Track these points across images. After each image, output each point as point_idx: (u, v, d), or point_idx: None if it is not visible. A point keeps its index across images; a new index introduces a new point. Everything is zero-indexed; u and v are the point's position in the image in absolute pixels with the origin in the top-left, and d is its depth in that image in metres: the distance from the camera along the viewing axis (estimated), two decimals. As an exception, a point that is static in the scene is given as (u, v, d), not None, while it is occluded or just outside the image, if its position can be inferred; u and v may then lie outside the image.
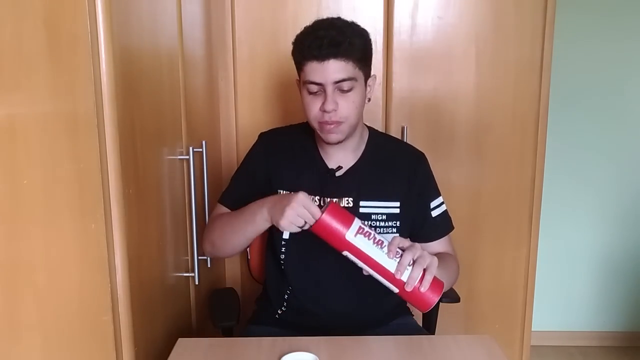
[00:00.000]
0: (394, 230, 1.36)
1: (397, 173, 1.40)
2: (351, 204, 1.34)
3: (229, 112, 1.90)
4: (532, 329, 2.05)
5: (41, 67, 0.75)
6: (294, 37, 1.29)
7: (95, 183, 0.90)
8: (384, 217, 1.35)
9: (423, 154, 1.45)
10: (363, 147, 1.39)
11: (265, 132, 1.46)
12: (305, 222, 1.15)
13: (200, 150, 1.44)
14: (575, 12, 2.39)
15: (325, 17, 1.31)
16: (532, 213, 1.95)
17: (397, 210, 1.36)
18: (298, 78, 1.32)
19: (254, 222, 1.26)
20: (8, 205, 0.67)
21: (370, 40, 1.31)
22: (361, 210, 1.34)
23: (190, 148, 1.39)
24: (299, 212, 1.15)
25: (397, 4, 1.83)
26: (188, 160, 1.40)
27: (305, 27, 1.28)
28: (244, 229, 1.29)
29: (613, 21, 2.45)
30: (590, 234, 2.66)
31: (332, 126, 1.26)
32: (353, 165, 1.37)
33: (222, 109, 1.90)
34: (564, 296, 2.69)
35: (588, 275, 2.69)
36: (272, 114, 1.88)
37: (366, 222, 1.31)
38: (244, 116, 1.89)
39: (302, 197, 1.16)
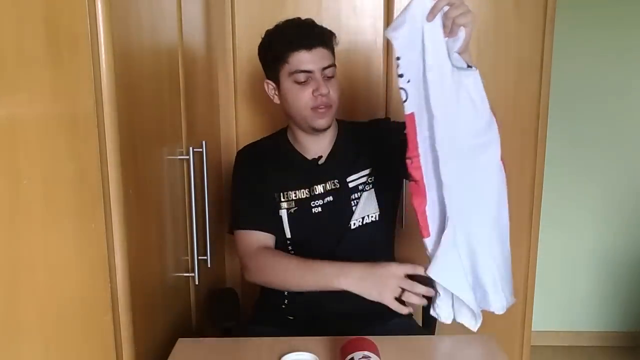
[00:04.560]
0: (370, 187, 1.43)
1: (369, 142, 1.46)
2: (338, 185, 1.42)
3: (229, 112, 1.90)
4: (532, 329, 2.05)
5: (41, 67, 0.75)
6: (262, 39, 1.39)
7: (95, 183, 0.90)
8: (364, 179, 1.43)
9: (387, 117, 1.58)
10: (336, 134, 1.47)
11: (240, 150, 1.55)
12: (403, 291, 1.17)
13: (200, 150, 1.44)
14: (575, 11, 2.39)
15: (304, 17, 1.39)
16: (532, 213, 1.95)
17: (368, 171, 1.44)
18: (269, 80, 1.39)
19: (331, 285, 1.24)
20: (8, 205, 0.67)
21: None
22: (350, 185, 1.42)
23: (190, 148, 1.39)
24: (398, 284, 1.17)
25: (397, 4, 1.83)
26: (188, 160, 1.40)
27: (275, 27, 1.38)
28: (313, 285, 1.28)
29: (614, 20, 2.45)
30: (590, 234, 2.66)
31: (324, 110, 1.35)
32: (330, 152, 1.45)
33: (222, 109, 1.90)
34: (565, 296, 2.69)
35: (588, 275, 2.69)
36: (271, 114, 1.87)
37: (356, 194, 1.42)
38: (244, 116, 1.89)
39: (398, 271, 1.18)
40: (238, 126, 1.90)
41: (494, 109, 1.12)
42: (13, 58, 0.68)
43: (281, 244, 1.44)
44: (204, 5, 1.71)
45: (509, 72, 1.87)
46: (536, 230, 1.97)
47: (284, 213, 1.42)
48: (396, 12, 1.83)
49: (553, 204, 2.44)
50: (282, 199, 1.42)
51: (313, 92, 1.33)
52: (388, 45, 1.85)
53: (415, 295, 1.15)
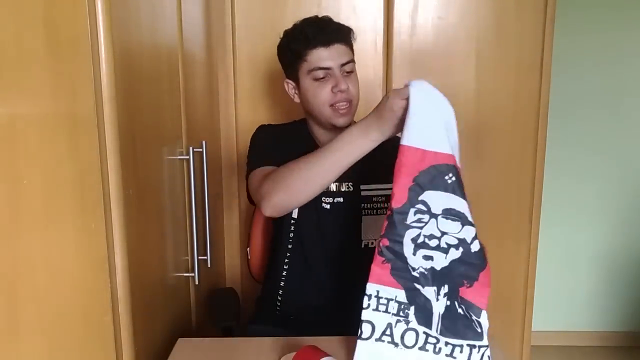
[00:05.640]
0: None
1: (392, 157, 1.41)
2: (352, 189, 1.40)
3: (229, 112, 1.90)
4: (532, 329, 2.05)
5: (41, 67, 0.75)
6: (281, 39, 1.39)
7: (95, 183, 0.90)
8: (383, 198, 1.40)
9: None
10: None
11: (262, 125, 1.50)
12: None
13: (200, 150, 1.44)
14: (576, 11, 2.39)
15: (310, 16, 1.39)
16: (532, 213, 1.95)
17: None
18: (288, 79, 1.39)
19: (362, 145, 1.14)
20: (8, 205, 0.67)
21: None
22: (362, 193, 1.40)
23: (190, 148, 1.39)
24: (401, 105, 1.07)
25: (397, 4, 1.83)
26: (188, 160, 1.40)
27: (293, 26, 1.37)
28: (346, 159, 1.16)
29: (614, 20, 2.45)
30: (590, 234, 2.66)
31: (345, 106, 1.33)
32: None
33: (222, 109, 1.90)
34: (564, 296, 2.69)
35: (588, 275, 2.69)
36: (272, 113, 1.88)
37: (367, 205, 1.39)
38: (244, 116, 1.89)
39: (395, 91, 1.10)
40: (238, 126, 1.90)
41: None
42: (13, 58, 0.68)
43: (285, 225, 1.42)
44: (204, 5, 1.71)
45: (509, 72, 1.87)
46: (536, 230, 1.97)
47: None
48: (396, 13, 1.83)
49: (553, 204, 2.44)
50: None
51: (332, 88, 1.32)
52: (388, 46, 1.85)
53: None
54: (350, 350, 1.14)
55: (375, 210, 1.40)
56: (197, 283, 1.47)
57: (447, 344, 1.06)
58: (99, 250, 0.93)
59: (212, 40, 1.81)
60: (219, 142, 1.90)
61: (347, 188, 1.40)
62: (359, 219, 1.39)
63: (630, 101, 2.54)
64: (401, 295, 1.06)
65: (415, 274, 1.05)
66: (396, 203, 1.03)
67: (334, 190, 1.40)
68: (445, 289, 1.07)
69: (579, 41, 2.45)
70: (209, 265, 1.52)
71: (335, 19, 1.38)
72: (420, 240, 1.04)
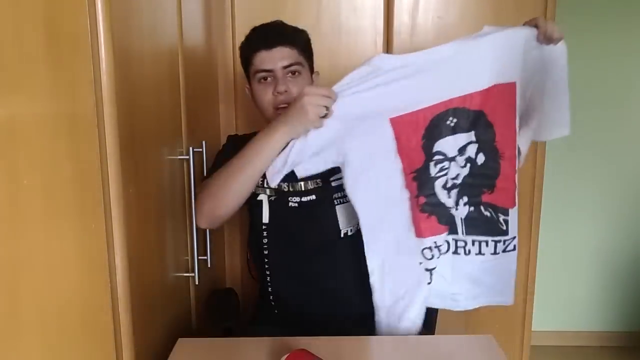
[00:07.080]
0: None
1: None
2: (320, 184, 1.40)
3: (229, 112, 1.90)
4: (532, 329, 2.05)
5: (41, 67, 0.75)
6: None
7: (95, 183, 0.90)
8: None
9: None
10: None
11: (233, 135, 1.57)
12: (326, 108, 1.18)
13: (200, 150, 1.44)
14: (576, 11, 2.39)
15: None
16: (533, 213, 1.95)
17: None
18: (248, 85, 1.43)
19: (270, 143, 1.23)
20: (8, 205, 0.67)
21: (310, 40, 1.44)
22: (333, 184, 1.40)
23: (190, 148, 1.39)
24: (315, 102, 1.17)
25: (397, 3, 1.83)
26: (188, 160, 1.40)
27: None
28: (257, 158, 1.25)
29: (615, 20, 2.45)
30: (590, 234, 2.66)
31: (285, 108, 1.32)
32: None
33: (222, 108, 1.90)
34: (564, 296, 2.69)
35: (588, 275, 2.69)
36: (272, 114, 1.88)
37: (339, 194, 1.39)
38: (244, 116, 1.89)
39: (307, 89, 1.19)
40: (238, 126, 1.90)
41: None
42: (13, 58, 0.68)
43: (256, 232, 1.44)
44: (204, 5, 1.71)
45: (509, 72, 1.87)
46: (536, 231, 1.97)
47: (264, 198, 1.42)
48: (396, 12, 1.83)
49: (553, 204, 2.44)
50: (265, 185, 1.39)
51: (273, 90, 1.35)
52: (388, 46, 1.85)
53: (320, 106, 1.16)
54: (348, 350, 1.14)
55: (347, 198, 1.38)
56: (197, 283, 1.47)
57: (473, 242, 1.20)
58: (99, 250, 0.93)
59: (212, 40, 1.81)
60: (219, 142, 1.89)
61: (316, 184, 1.40)
62: (334, 210, 1.39)
63: (631, 101, 2.54)
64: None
65: (450, 207, 1.18)
66: (417, 164, 1.15)
67: (302, 189, 1.39)
68: (464, 199, 1.19)
69: (579, 41, 2.44)
70: (209, 265, 1.52)
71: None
72: (450, 184, 1.17)
